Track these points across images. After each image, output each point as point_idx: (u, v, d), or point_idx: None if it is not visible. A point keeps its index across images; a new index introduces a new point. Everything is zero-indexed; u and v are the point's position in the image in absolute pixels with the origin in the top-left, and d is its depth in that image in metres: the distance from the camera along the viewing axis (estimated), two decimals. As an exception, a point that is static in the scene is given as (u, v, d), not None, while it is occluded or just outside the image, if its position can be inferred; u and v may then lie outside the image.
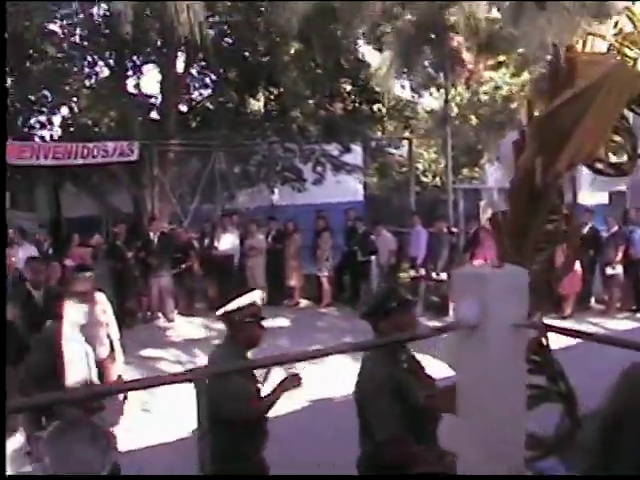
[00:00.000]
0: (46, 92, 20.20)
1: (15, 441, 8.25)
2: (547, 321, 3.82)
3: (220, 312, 5.47)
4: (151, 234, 16.61)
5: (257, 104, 24.32)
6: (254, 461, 5.29)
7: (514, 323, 3.05)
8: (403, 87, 21.04)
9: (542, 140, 3.56)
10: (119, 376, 8.68)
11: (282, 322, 15.79)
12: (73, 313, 6.10)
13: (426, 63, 18.11)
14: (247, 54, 21.05)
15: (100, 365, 8.56)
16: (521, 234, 3.67)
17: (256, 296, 5.64)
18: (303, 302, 17.56)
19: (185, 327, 15.58)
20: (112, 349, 8.84)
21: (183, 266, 16.47)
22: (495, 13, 15.35)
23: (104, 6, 17.64)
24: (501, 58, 21.27)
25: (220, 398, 4.80)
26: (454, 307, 3.17)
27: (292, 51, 19.64)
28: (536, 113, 3.87)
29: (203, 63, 22.01)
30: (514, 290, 3.09)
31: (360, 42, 20.25)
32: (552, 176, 3.57)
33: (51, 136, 22.21)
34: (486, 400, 3.06)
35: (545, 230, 3.76)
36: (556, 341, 3.76)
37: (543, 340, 3.74)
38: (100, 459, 5.62)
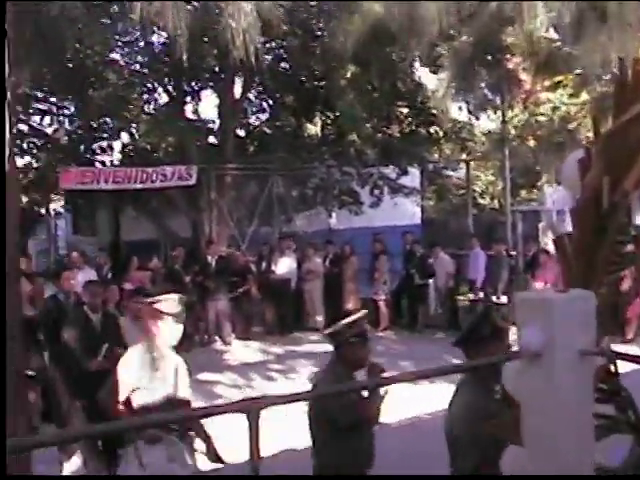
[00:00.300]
0: (107, 118, 20.46)
1: (73, 463, 8.28)
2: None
3: (327, 331, 5.49)
4: (209, 258, 16.67)
5: (314, 128, 24.35)
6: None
7: (581, 350, 2.93)
8: (460, 109, 20.92)
9: (609, 158, 3.43)
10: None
11: (340, 346, 15.64)
12: (167, 333, 6.08)
13: (483, 84, 17.96)
14: (304, 79, 21.10)
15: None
16: (588, 256, 3.53)
17: (362, 316, 5.61)
18: (361, 326, 17.41)
19: (242, 351, 15.56)
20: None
21: (240, 290, 16.46)
22: (552, 33, 15.16)
23: (163, 34, 17.81)
24: (559, 78, 21.01)
25: (329, 413, 5.12)
26: (518, 333, 3.05)
27: (348, 75, 19.63)
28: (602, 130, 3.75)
29: (260, 88, 22.12)
30: (581, 315, 2.97)
31: (416, 65, 20.18)
32: (620, 195, 3.44)
33: (111, 161, 22.49)
34: (551, 430, 2.93)
35: (613, 251, 3.62)
36: (621, 367, 3.62)
37: (611, 367, 3.60)
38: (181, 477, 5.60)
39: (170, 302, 6.12)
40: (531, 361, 2.93)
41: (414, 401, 10.01)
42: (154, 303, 6.13)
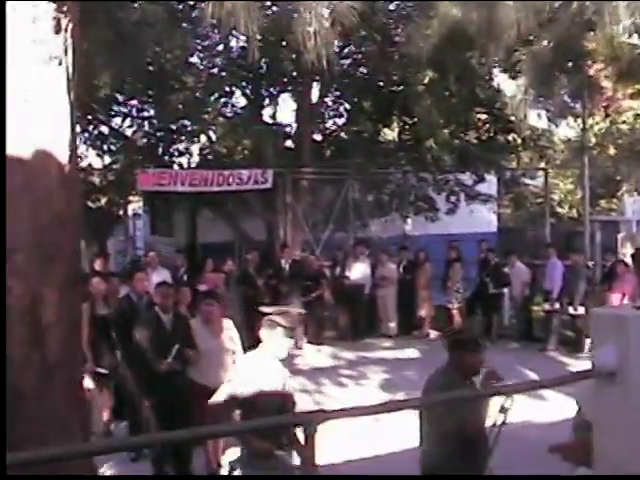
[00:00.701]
0: (185, 121, 20.67)
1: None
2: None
3: (440, 335, 5.55)
4: (283, 261, 16.73)
5: (391, 133, 24.27)
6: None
7: (658, 369, 2.82)
8: (539, 116, 20.61)
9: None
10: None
11: (412, 353, 15.59)
12: (276, 344, 6.10)
13: (562, 91, 17.62)
14: (381, 83, 21.03)
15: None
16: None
17: (475, 323, 5.67)
18: (433, 333, 17.28)
19: (313, 355, 15.56)
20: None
21: (314, 294, 16.45)
22: (636, 39, 14.80)
23: (242, 38, 17.94)
24: (642, 86, 20.56)
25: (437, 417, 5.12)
26: (592, 351, 2.95)
27: (426, 80, 19.49)
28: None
29: (337, 92, 22.12)
30: (658, 333, 2.86)
31: (495, 70, 19.94)
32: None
33: (189, 164, 22.73)
34: (625, 453, 2.83)
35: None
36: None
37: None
38: None
39: (286, 316, 6.16)
40: (605, 380, 2.83)
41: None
42: (270, 314, 6.17)
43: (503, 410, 5.17)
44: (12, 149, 3.06)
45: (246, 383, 5.89)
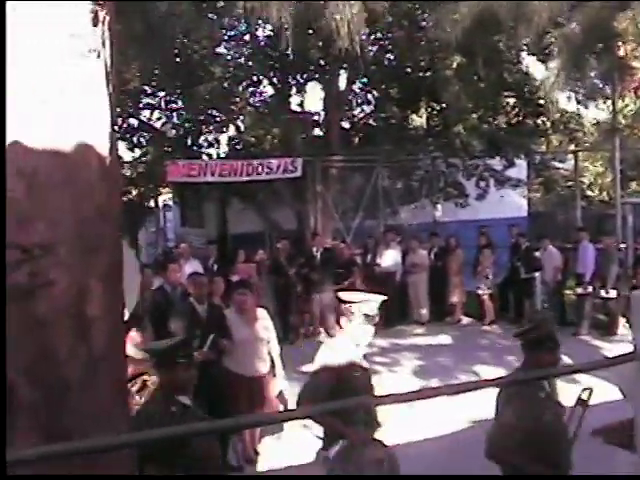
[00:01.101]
0: (214, 111, 20.72)
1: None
2: None
3: (516, 333, 5.35)
4: (314, 250, 16.73)
5: (419, 119, 24.18)
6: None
7: (699, 351, 2.81)
8: (569, 99, 20.43)
9: None
10: (280, 392, 8.73)
11: (444, 340, 15.59)
12: (355, 332, 6.09)
13: (592, 73, 17.45)
14: (408, 69, 20.94)
15: (260, 381, 8.64)
16: None
17: (547, 318, 5.43)
18: (465, 319, 17.27)
19: (346, 343, 15.56)
20: (273, 365, 8.89)
21: (345, 282, 16.44)
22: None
23: (268, 27, 17.96)
24: (673, 66, 20.29)
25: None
26: (633, 332, 2.94)
27: (454, 65, 19.37)
28: None
29: (365, 79, 22.06)
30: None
31: (523, 54, 19.79)
32: None
33: (218, 154, 22.79)
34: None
35: None
36: None
37: None
38: None
39: (366, 304, 6.13)
40: (645, 362, 2.83)
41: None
42: (347, 302, 6.15)
43: (581, 402, 4.97)
44: (52, 143, 3.10)
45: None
